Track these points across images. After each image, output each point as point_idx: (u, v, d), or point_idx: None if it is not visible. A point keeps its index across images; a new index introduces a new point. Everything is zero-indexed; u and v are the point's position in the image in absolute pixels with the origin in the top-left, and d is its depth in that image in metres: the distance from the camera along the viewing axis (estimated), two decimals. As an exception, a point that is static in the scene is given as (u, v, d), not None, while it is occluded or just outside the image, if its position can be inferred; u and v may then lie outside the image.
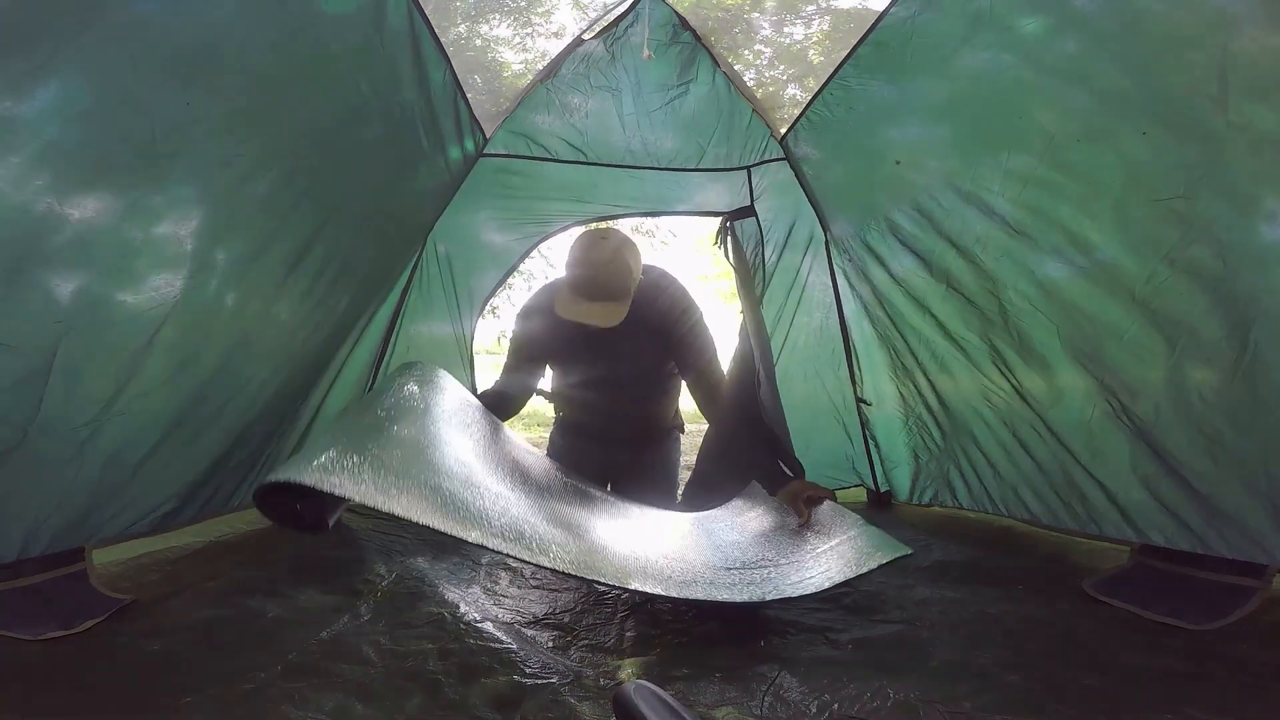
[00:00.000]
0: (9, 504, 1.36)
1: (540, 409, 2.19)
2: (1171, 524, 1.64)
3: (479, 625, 1.41)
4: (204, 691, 1.09)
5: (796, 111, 2.34)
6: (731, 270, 2.34)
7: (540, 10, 2.19)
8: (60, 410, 1.38)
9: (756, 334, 2.24)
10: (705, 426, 2.35)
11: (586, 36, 2.32)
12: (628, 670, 1.22)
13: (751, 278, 2.32)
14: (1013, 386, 2.03)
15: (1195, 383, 1.57)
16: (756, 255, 2.36)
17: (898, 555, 1.52)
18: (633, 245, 1.82)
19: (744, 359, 2.22)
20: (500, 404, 1.97)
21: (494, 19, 2.16)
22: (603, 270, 1.68)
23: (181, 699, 1.06)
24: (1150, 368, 1.65)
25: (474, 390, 2.58)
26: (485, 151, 2.42)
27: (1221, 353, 1.51)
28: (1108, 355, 1.73)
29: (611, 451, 2.12)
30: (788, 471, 1.83)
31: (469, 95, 2.14)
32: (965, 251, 2.00)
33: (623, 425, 2.03)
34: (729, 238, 2.35)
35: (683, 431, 2.27)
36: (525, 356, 1.95)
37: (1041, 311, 1.85)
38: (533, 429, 5.23)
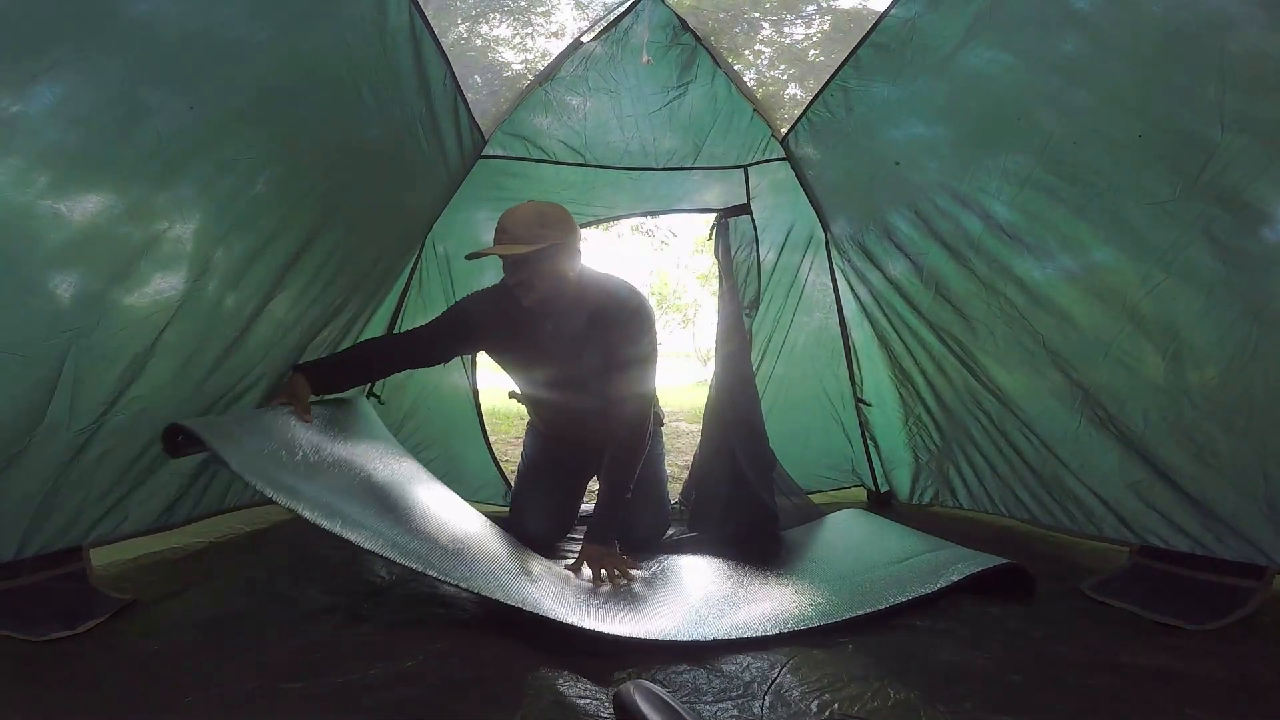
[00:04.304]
0: (7, 503, 1.36)
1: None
2: (1167, 528, 1.64)
3: (479, 626, 1.41)
4: (204, 691, 1.09)
5: (797, 112, 2.34)
6: (733, 269, 2.34)
7: (540, 10, 2.19)
8: (65, 414, 1.38)
9: (733, 333, 2.25)
10: (701, 426, 2.35)
11: (586, 39, 2.32)
12: (628, 670, 1.22)
13: (735, 278, 2.32)
14: (996, 394, 2.04)
15: (1186, 389, 1.56)
16: (750, 254, 2.37)
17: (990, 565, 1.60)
18: (554, 207, 1.73)
19: (728, 361, 2.23)
20: (373, 354, 1.91)
21: (494, 19, 2.16)
22: (510, 215, 1.69)
23: (181, 699, 1.06)
24: (1139, 375, 1.66)
25: (474, 390, 2.58)
26: (484, 153, 2.42)
27: (1215, 357, 1.51)
28: (1095, 363, 1.74)
29: (585, 456, 2.08)
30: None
31: (469, 96, 2.14)
32: (959, 255, 2.00)
33: (587, 429, 1.98)
34: (720, 236, 2.36)
35: (661, 424, 2.24)
36: (450, 327, 1.86)
37: (1029, 318, 1.86)
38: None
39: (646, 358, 1.81)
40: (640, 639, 1.29)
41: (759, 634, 1.34)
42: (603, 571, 1.68)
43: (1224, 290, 1.46)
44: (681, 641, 1.30)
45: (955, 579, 1.54)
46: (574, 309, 1.77)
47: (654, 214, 2.75)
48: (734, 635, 1.33)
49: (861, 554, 1.83)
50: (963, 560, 1.64)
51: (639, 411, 1.82)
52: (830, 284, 2.63)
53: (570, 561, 1.78)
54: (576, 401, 1.91)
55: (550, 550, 1.98)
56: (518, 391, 2.11)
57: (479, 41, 2.18)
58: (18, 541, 1.39)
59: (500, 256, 1.69)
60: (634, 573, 1.72)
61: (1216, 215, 1.43)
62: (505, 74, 2.31)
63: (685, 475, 2.72)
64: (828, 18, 2.09)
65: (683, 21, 2.31)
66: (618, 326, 1.78)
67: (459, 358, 2.55)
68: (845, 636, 1.36)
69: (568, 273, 1.73)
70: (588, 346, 1.80)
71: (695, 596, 1.58)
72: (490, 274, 2.61)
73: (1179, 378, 1.58)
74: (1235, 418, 1.49)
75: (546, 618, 1.31)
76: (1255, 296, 1.42)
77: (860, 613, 1.43)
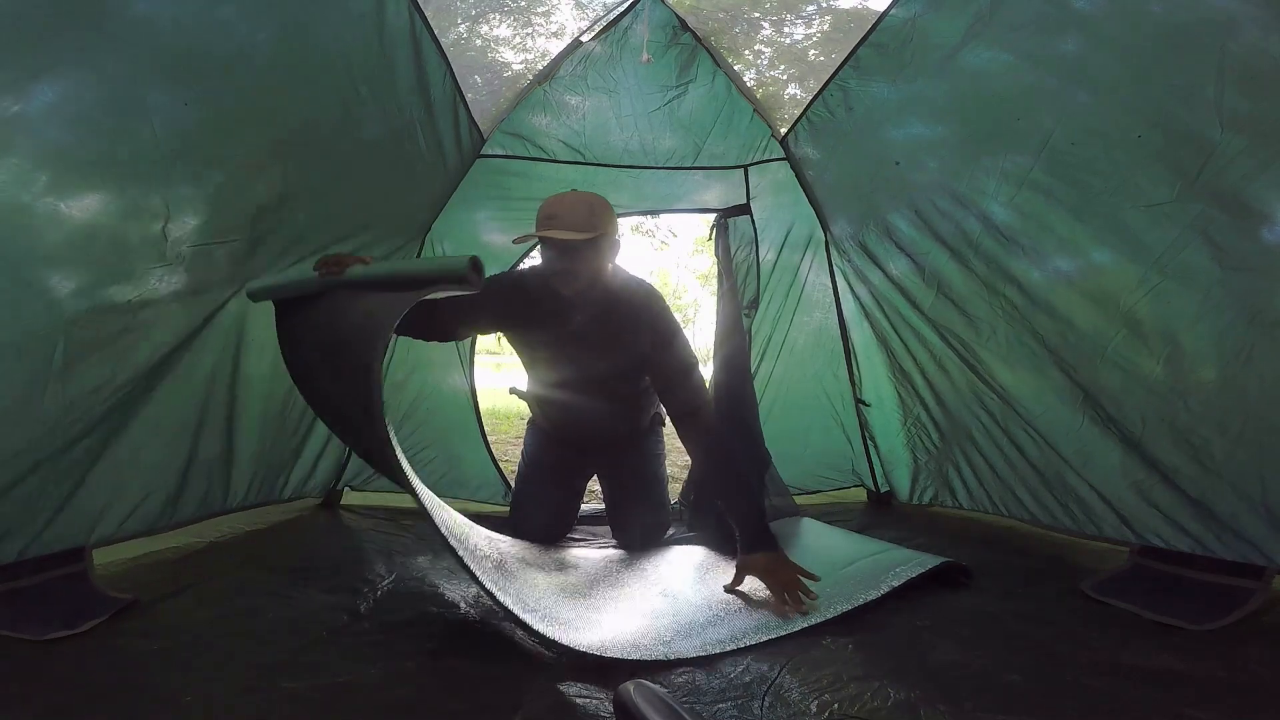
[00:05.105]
0: (10, 504, 1.36)
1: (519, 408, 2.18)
2: (1168, 528, 1.64)
3: (479, 625, 1.42)
4: (204, 691, 1.09)
5: (797, 111, 2.34)
6: (732, 269, 2.34)
7: (540, 10, 2.19)
8: (63, 410, 1.38)
9: (732, 333, 2.24)
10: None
11: (585, 38, 2.32)
12: (628, 670, 1.21)
13: (735, 278, 2.31)
14: (999, 392, 2.03)
15: (1182, 391, 1.56)
16: (750, 254, 2.37)
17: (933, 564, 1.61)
18: (601, 199, 1.69)
19: (727, 362, 2.22)
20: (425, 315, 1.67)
21: (494, 19, 2.16)
22: (559, 201, 1.64)
23: (182, 699, 1.06)
24: (1135, 378, 1.66)
25: (473, 390, 2.58)
26: (483, 152, 2.42)
27: (1211, 360, 1.51)
28: (1093, 365, 1.74)
29: (588, 455, 2.08)
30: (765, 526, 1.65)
31: (468, 96, 2.14)
32: (958, 254, 2.00)
33: (594, 427, 1.96)
34: (720, 236, 2.36)
35: (662, 424, 2.24)
36: (476, 300, 1.68)
37: (1029, 318, 1.86)
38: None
39: (687, 352, 1.79)
40: (633, 658, 1.26)
41: (729, 647, 1.31)
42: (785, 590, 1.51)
43: (1220, 293, 1.46)
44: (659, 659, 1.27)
45: (895, 584, 1.55)
46: (603, 304, 1.74)
47: (654, 213, 2.75)
48: (711, 651, 1.29)
49: (812, 559, 1.78)
50: (905, 564, 1.66)
51: (705, 403, 1.77)
52: (830, 284, 2.62)
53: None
54: (588, 399, 1.89)
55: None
56: (518, 388, 2.10)
57: (479, 41, 2.18)
58: (21, 543, 1.39)
59: (546, 243, 1.64)
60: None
61: (1214, 217, 1.42)
62: (505, 74, 2.31)
63: (685, 475, 2.72)
64: (828, 18, 2.09)
65: (682, 21, 2.31)
66: (648, 326, 1.75)
67: (460, 356, 2.56)
68: (843, 637, 1.36)
69: (607, 266, 1.71)
70: (612, 344, 1.77)
71: (688, 603, 1.54)
72: (491, 272, 2.61)
73: (1175, 380, 1.58)
74: (1230, 421, 1.49)
75: (543, 633, 1.27)
76: (1252, 300, 1.42)
77: (810, 624, 1.40)
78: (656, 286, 1.88)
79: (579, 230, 1.59)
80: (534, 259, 2.53)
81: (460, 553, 1.29)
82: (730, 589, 1.57)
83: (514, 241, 1.70)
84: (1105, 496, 1.79)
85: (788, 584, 1.51)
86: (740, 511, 1.64)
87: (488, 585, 1.28)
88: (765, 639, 1.34)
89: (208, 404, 1.76)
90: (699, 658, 1.26)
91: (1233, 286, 1.44)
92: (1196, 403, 1.54)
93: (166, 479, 1.72)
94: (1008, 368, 2.00)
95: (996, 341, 1.99)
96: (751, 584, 1.58)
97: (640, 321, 1.75)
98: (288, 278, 1.53)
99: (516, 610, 1.27)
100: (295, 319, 1.47)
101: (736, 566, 1.60)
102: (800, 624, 1.39)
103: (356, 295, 1.39)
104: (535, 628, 1.25)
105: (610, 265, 1.73)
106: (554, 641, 1.24)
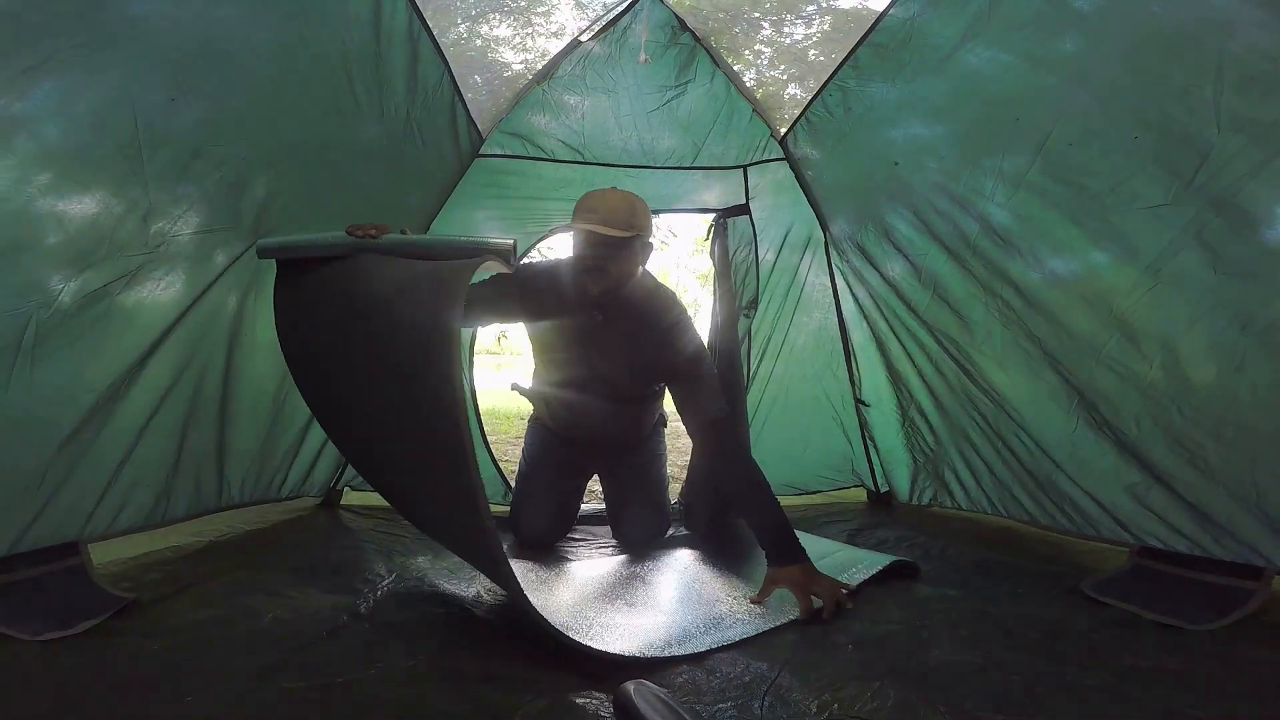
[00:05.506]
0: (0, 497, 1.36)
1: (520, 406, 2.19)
2: (1165, 530, 1.64)
3: (479, 625, 1.42)
4: (204, 691, 1.08)
5: (796, 112, 2.34)
6: (730, 270, 2.34)
7: (540, 10, 2.19)
8: (55, 404, 1.38)
9: (726, 331, 2.24)
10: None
11: (585, 38, 2.32)
12: (628, 670, 1.21)
13: (731, 281, 2.31)
14: (992, 396, 2.03)
15: (1175, 396, 1.56)
16: (749, 254, 2.37)
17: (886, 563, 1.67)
18: (640, 200, 1.67)
19: (721, 360, 2.22)
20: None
21: (494, 19, 2.16)
22: (601, 196, 1.63)
23: (182, 698, 1.06)
24: (1129, 382, 1.66)
25: (473, 390, 2.58)
26: (481, 152, 2.42)
27: (1203, 366, 1.51)
28: (1088, 368, 1.74)
29: (590, 454, 2.08)
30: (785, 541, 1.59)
31: (467, 96, 2.14)
32: (957, 256, 2.00)
33: (598, 427, 1.95)
34: (718, 237, 2.36)
35: (664, 425, 2.22)
36: (501, 288, 1.72)
37: (1025, 321, 1.86)
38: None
39: (706, 363, 1.77)
40: (635, 657, 1.26)
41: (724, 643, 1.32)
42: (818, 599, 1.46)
43: (1214, 298, 1.46)
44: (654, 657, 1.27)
45: (861, 579, 1.62)
46: (626, 305, 1.73)
47: (654, 213, 2.74)
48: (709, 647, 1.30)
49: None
50: (860, 564, 1.73)
51: (724, 414, 1.72)
52: (829, 284, 2.62)
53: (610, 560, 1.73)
54: (598, 400, 1.88)
55: (550, 551, 1.98)
56: (520, 384, 2.10)
57: (479, 41, 2.18)
58: (11, 537, 1.38)
59: (581, 236, 1.62)
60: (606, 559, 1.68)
61: (1209, 220, 1.42)
62: (505, 74, 2.31)
63: (685, 475, 2.72)
64: (828, 18, 2.09)
65: (681, 21, 2.31)
66: (667, 333, 1.73)
67: (465, 362, 2.56)
68: (843, 636, 1.36)
69: (638, 268, 1.70)
70: (629, 346, 1.76)
71: (685, 614, 1.51)
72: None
73: (1168, 385, 1.58)
74: (1224, 427, 1.49)
75: (552, 631, 1.26)
76: (1244, 305, 1.41)
77: (778, 623, 1.41)
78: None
79: (618, 228, 1.58)
80: (533, 256, 2.54)
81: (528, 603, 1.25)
82: (757, 601, 1.53)
83: (550, 232, 1.69)
84: (1099, 500, 1.79)
85: (825, 594, 1.46)
86: (764, 523, 1.58)
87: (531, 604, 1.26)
88: (757, 633, 1.36)
89: (198, 398, 1.75)
90: (699, 656, 1.26)
91: (1226, 293, 1.44)
92: (1190, 408, 1.54)
93: (156, 473, 1.71)
94: (1002, 371, 2.00)
95: (992, 344, 1.99)
96: (778, 595, 1.54)
97: (660, 327, 1.74)
98: (310, 237, 1.44)
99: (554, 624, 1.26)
100: (307, 279, 1.41)
101: (765, 579, 1.54)
102: (780, 620, 1.41)
103: (393, 262, 1.34)
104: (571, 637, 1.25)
105: (640, 267, 1.72)
106: (575, 644, 1.24)
